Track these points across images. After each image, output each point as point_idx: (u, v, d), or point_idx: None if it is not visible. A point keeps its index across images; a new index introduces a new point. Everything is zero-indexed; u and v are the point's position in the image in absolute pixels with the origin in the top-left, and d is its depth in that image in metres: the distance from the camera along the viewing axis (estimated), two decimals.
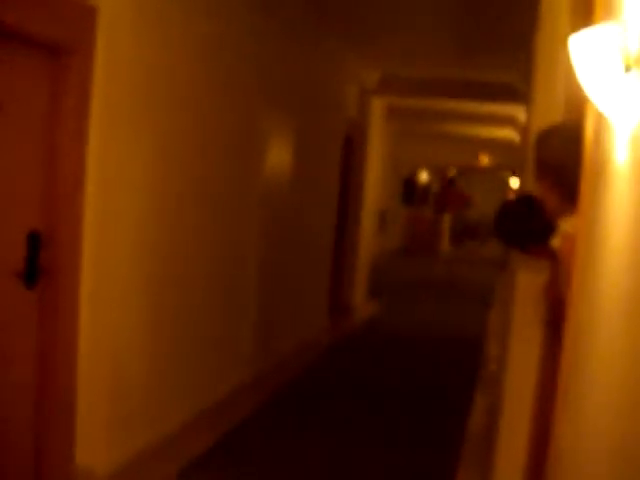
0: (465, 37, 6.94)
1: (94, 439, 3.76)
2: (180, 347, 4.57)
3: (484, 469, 4.26)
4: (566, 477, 1.60)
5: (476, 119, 12.71)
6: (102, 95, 3.62)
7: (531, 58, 4.03)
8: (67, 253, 3.53)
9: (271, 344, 6.32)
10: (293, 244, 6.74)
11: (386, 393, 6.11)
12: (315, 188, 7.42)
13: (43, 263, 3.39)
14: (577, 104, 2.50)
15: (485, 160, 18.80)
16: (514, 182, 17.53)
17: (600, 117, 1.39)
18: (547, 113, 3.22)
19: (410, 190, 19.92)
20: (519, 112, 9.58)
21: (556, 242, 2.48)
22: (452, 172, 23.25)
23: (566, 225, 2.38)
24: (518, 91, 7.89)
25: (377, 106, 9.94)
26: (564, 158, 2.42)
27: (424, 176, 22.10)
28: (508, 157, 16.55)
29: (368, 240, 10.32)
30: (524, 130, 5.75)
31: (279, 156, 6.18)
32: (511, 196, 16.56)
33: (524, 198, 3.08)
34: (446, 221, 21.24)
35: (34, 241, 3.34)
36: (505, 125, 12.63)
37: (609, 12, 1.34)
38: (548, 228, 2.64)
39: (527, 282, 3.39)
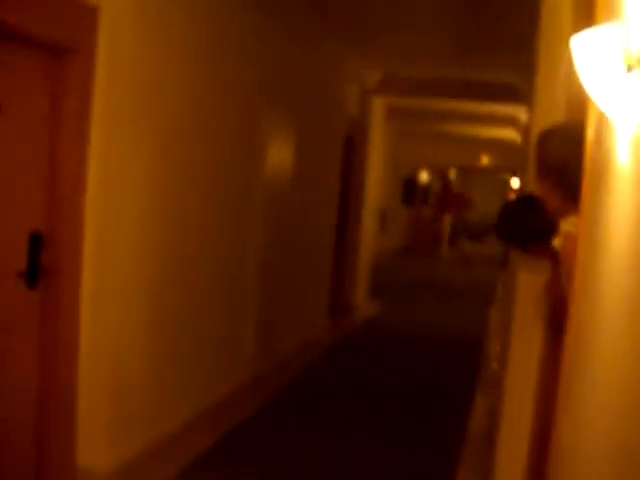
0: (465, 37, 6.94)
1: (94, 439, 3.76)
2: (181, 347, 4.56)
3: (484, 469, 4.26)
4: (567, 478, 1.59)
5: (476, 119, 12.71)
6: (103, 95, 3.62)
7: (532, 58, 4.03)
8: (68, 253, 3.53)
9: (272, 344, 6.32)
10: (294, 244, 6.74)
11: (386, 393, 6.11)
12: (316, 188, 7.41)
13: (45, 263, 3.40)
14: (578, 104, 2.50)
15: (485, 160, 18.80)
16: (515, 182, 17.53)
17: (602, 117, 1.39)
18: (549, 113, 3.22)
19: (410, 190, 19.91)
20: (520, 112, 9.58)
21: (557, 242, 2.48)
22: (450, 174, 23.26)
23: (567, 225, 2.37)
24: (519, 91, 7.88)
25: (378, 106, 9.94)
26: (566, 158, 2.42)
27: (424, 176, 22.10)
28: (509, 157, 16.55)
29: (369, 240, 10.32)
30: (525, 130, 5.75)
31: (280, 155, 6.18)
32: (512, 196, 16.56)
33: (525, 198, 3.08)
34: (447, 221, 21.23)
35: (36, 241, 3.34)
36: (506, 125, 12.62)
37: (611, 12, 1.34)
38: (549, 228, 2.63)
39: (528, 282, 3.39)
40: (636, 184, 1.35)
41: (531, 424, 3.35)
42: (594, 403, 1.47)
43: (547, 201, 2.60)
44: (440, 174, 22.28)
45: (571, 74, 3.08)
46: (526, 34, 5.03)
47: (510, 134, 13.55)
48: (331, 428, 5.05)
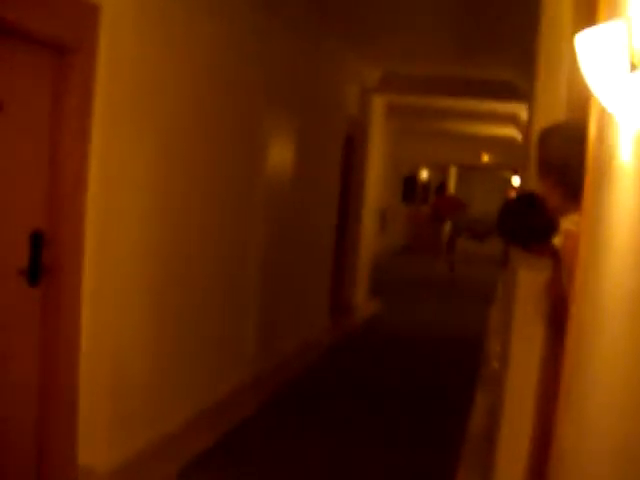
0: (465, 36, 6.94)
1: (95, 438, 3.76)
2: (182, 346, 4.56)
3: (485, 469, 4.25)
4: (568, 478, 1.59)
5: (477, 117, 12.70)
6: (104, 94, 3.61)
7: (533, 56, 4.02)
8: (69, 252, 3.53)
9: (272, 344, 6.32)
10: (294, 243, 6.73)
11: (387, 392, 6.11)
12: (316, 187, 7.41)
13: (46, 261, 3.40)
14: (580, 103, 2.49)
15: (486, 158, 18.78)
16: (516, 180, 17.52)
17: (604, 115, 1.38)
18: (549, 111, 3.21)
19: (411, 188, 19.89)
20: (520, 110, 9.58)
21: (558, 240, 2.48)
22: (450, 172, 23.20)
23: (568, 223, 2.37)
24: (519, 89, 7.88)
25: (378, 104, 9.93)
26: (566, 157, 2.41)
27: (425, 174, 22.07)
28: (509, 155, 16.55)
29: (369, 239, 10.31)
30: (526, 128, 5.75)
31: (281, 155, 6.18)
32: (512, 194, 16.55)
33: (526, 196, 3.08)
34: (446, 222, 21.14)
35: (37, 240, 3.34)
36: (506, 123, 12.62)
37: (613, 10, 1.33)
38: (550, 226, 2.63)
39: (528, 280, 3.38)
40: (639, 182, 1.34)
41: (532, 423, 3.34)
42: (595, 403, 1.47)
43: (548, 199, 2.59)
44: (438, 183, 22.16)
45: (573, 72, 3.07)
46: (526, 33, 5.02)
47: (510, 132, 13.55)
48: (331, 428, 5.05)
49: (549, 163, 2.51)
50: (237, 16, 4.98)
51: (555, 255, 2.62)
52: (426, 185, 22.26)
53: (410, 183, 19.81)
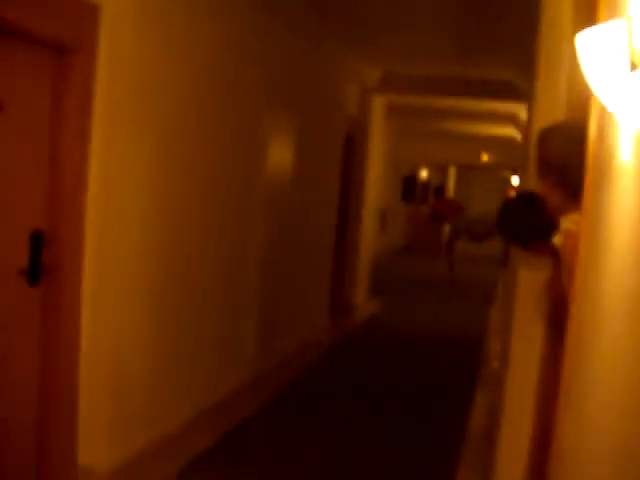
0: (465, 36, 6.94)
1: (95, 438, 3.76)
2: (182, 346, 4.56)
3: (485, 469, 4.25)
4: (568, 477, 1.59)
5: (477, 117, 12.71)
6: (104, 94, 3.61)
7: (533, 56, 4.02)
8: (69, 251, 3.53)
9: (272, 344, 6.32)
10: (294, 243, 6.73)
11: (387, 393, 6.11)
12: (316, 187, 7.41)
13: (46, 261, 3.40)
14: (579, 102, 2.49)
15: (486, 158, 18.78)
16: (515, 180, 17.51)
17: (604, 115, 1.38)
18: (549, 111, 3.22)
19: (410, 188, 19.87)
20: (520, 110, 9.58)
21: (558, 240, 2.48)
22: (450, 172, 23.17)
23: (568, 222, 2.37)
24: (519, 89, 7.88)
25: (378, 104, 9.93)
26: (566, 157, 2.41)
27: (424, 174, 22.06)
28: (509, 155, 16.55)
29: (369, 239, 10.32)
30: (526, 128, 5.75)
31: (281, 155, 6.18)
32: (512, 194, 16.53)
33: (526, 195, 3.08)
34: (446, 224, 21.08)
35: (37, 240, 3.35)
36: (506, 123, 12.62)
37: (613, 9, 1.33)
38: (550, 225, 2.63)
39: (529, 279, 3.38)
40: (639, 182, 1.34)
41: (532, 423, 3.34)
42: (595, 402, 1.47)
43: (548, 199, 2.59)
44: (437, 182, 22.10)
45: (573, 72, 3.07)
46: (526, 32, 5.02)
47: (510, 132, 13.55)
48: (331, 428, 5.05)
49: (549, 163, 2.51)
50: (237, 16, 4.98)
51: (555, 254, 2.62)
52: (426, 185, 22.24)
53: (410, 183, 19.80)
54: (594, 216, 1.44)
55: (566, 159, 2.41)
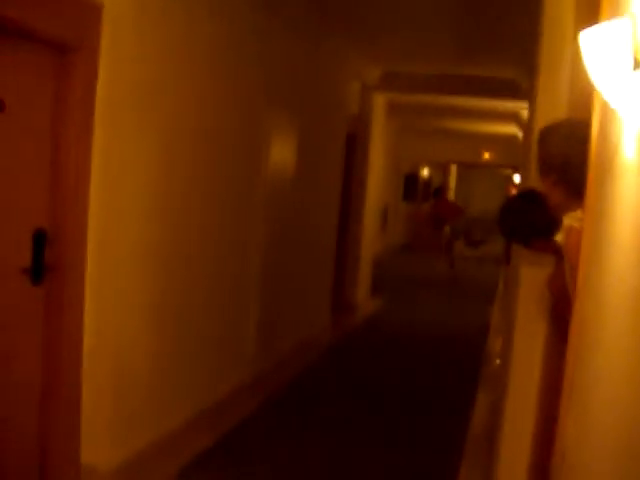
0: (466, 35, 6.93)
1: (98, 436, 3.77)
2: (182, 346, 4.57)
3: (487, 468, 4.25)
4: (571, 475, 1.59)
5: (478, 115, 12.70)
6: (106, 93, 3.61)
7: (534, 55, 4.02)
8: (72, 250, 3.54)
9: (273, 343, 6.32)
10: (295, 243, 6.73)
11: (387, 392, 6.11)
12: (317, 186, 7.41)
13: (49, 260, 3.40)
14: (581, 101, 2.49)
15: (487, 156, 18.75)
16: (517, 178, 17.49)
17: (607, 112, 1.38)
18: (550, 110, 3.21)
19: (412, 186, 19.85)
20: (522, 109, 9.57)
21: (560, 237, 2.48)
22: (451, 170, 23.11)
23: (570, 220, 2.37)
24: (520, 87, 7.88)
25: (379, 102, 9.93)
26: (567, 155, 2.42)
27: (426, 172, 22.04)
28: (510, 153, 16.53)
29: (370, 237, 10.31)
30: (527, 126, 5.74)
31: (282, 154, 6.18)
32: (513, 191, 16.51)
33: (527, 193, 3.08)
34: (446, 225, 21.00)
35: (40, 238, 3.35)
36: (507, 121, 12.61)
37: (616, 7, 1.33)
38: (551, 223, 2.63)
39: (531, 277, 3.38)
40: None
41: (534, 421, 3.34)
42: (598, 400, 1.47)
43: (549, 197, 2.60)
44: (438, 181, 22.04)
45: (575, 70, 3.07)
46: (527, 31, 5.01)
47: (512, 130, 13.54)
48: (331, 428, 5.05)
49: (550, 161, 2.51)
50: (237, 15, 4.97)
51: (557, 252, 2.62)
52: (427, 183, 22.21)
53: (411, 181, 19.77)
54: (597, 213, 1.44)
55: (567, 157, 2.41)
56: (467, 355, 7.58)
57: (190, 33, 4.30)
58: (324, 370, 6.61)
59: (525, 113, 8.61)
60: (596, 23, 1.34)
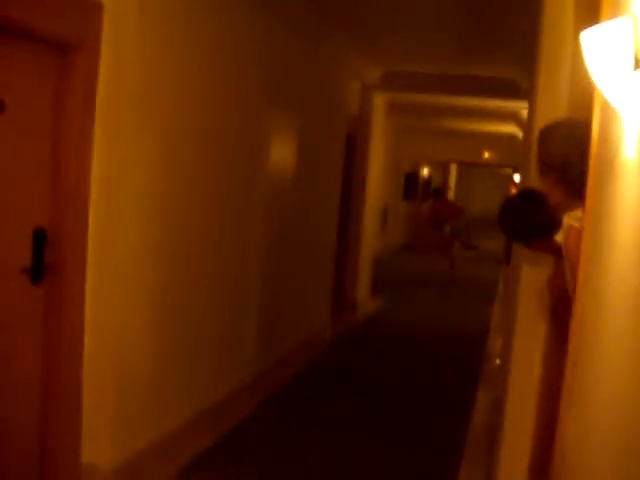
0: (466, 35, 6.93)
1: (98, 436, 3.76)
2: (183, 345, 4.56)
3: (487, 468, 4.25)
4: (571, 474, 1.59)
5: (478, 115, 12.69)
6: (106, 93, 3.61)
7: (534, 55, 4.02)
8: (72, 250, 3.53)
9: (274, 343, 6.32)
10: (296, 242, 6.73)
11: (388, 391, 6.11)
12: (317, 185, 7.41)
13: (48, 260, 3.40)
14: (582, 100, 2.49)
15: (487, 156, 18.75)
16: (517, 178, 17.48)
17: (607, 112, 1.38)
18: (551, 110, 3.21)
19: (412, 185, 19.84)
20: (522, 108, 9.57)
21: (560, 237, 2.48)
22: (451, 169, 23.11)
23: (570, 220, 2.37)
24: (520, 87, 7.88)
25: (379, 102, 9.93)
26: (567, 154, 2.42)
27: (426, 171, 22.04)
28: (510, 153, 16.53)
29: (370, 237, 10.31)
30: (527, 126, 5.75)
31: (282, 153, 6.18)
32: (514, 191, 16.51)
33: (527, 193, 3.08)
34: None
35: (40, 238, 3.35)
36: (507, 121, 12.61)
37: (616, 7, 1.33)
38: (552, 222, 2.63)
39: (531, 276, 3.38)
40: None
41: (534, 421, 3.35)
42: (598, 400, 1.46)
43: (549, 197, 2.60)
44: (438, 180, 22.04)
45: (575, 70, 3.07)
46: (527, 31, 5.01)
47: (512, 129, 13.54)
48: (332, 427, 5.05)
49: (549, 161, 2.51)
50: (238, 15, 4.97)
51: (557, 251, 2.62)
52: (427, 182, 22.21)
53: (411, 180, 19.76)
54: (597, 213, 1.43)
55: (567, 157, 2.41)
56: (467, 354, 7.59)
57: (190, 33, 4.30)
58: (324, 369, 6.61)
59: (525, 113, 8.61)
60: (596, 23, 1.34)
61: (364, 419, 5.29)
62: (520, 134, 12.25)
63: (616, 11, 1.32)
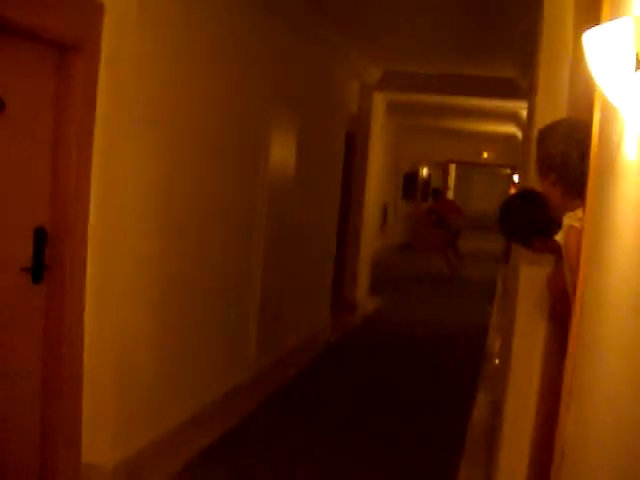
0: (466, 35, 6.93)
1: (99, 434, 3.77)
2: (184, 345, 4.57)
3: (487, 468, 4.26)
4: (571, 474, 1.59)
5: (478, 115, 12.70)
6: (107, 92, 3.62)
7: (534, 55, 4.02)
8: (73, 249, 3.54)
9: (274, 342, 6.32)
10: (296, 241, 6.73)
11: (387, 391, 6.11)
12: (317, 185, 7.41)
13: (49, 259, 3.40)
14: (582, 101, 2.50)
15: (486, 156, 18.76)
16: (516, 178, 17.48)
17: (608, 113, 1.38)
18: (551, 110, 3.21)
19: (411, 185, 19.85)
20: (521, 108, 9.57)
21: (560, 237, 2.48)
22: (450, 169, 23.09)
23: (570, 220, 2.37)
24: (520, 87, 7.88)
25: (379, 102, 9.93)
26: (565, 154, 2.42)
27: (425, 171, 22.03)
28: (510, 153, 16.54)
29: (370, 236, 10.32)
30: (526, 126, 5.75)
31: (282, 153, 6.18)
32: (512, 191, 16.51)
33: (527, 193, 3.08)
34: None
35: (40, 237, 3.35)
36: (507, 121, 12.61)
37: (617, 7, 1.33)
38: (551, 223, 2.64)
39: (531, 276, 3.39)
40: None
41: (534, 421, 3.35)
42: (597, 400, 1.47)
43: (549, 197, 2.60)
44: (438, 179, 22.02)
45: (575, 71, 3.07)
46: (527, 31, 5.02)
47: (511, 129, 13.55)
48: (332, 427, 5.05)
49: (549, 161, 2.51)
50: (239, 15, 4.98)
51: (557, 252, 2.63)
52: (427, 182, 22.21)
53: (410, 180, 19.76)
54: (598, 213, 1.44)
55: (566, 157, 2.42)
56: (467, 354, 7.59)
57: (191, 33, 4.30)
58: (324, 369, 6.61)
59: (524, 113, 8.61)
60: (596, 23, 1.34)
61: (364, 419, 5.29)
62: (519, 134, 12.26)
63: (616, 11, 1.33)
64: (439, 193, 18.76)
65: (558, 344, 2.78)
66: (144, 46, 3.81)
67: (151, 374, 4.20)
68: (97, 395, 3.74)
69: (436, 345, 8.12)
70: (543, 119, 3.00)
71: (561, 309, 2.64)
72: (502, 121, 12.94)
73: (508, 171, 21.17)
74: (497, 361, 6.91)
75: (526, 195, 3.06)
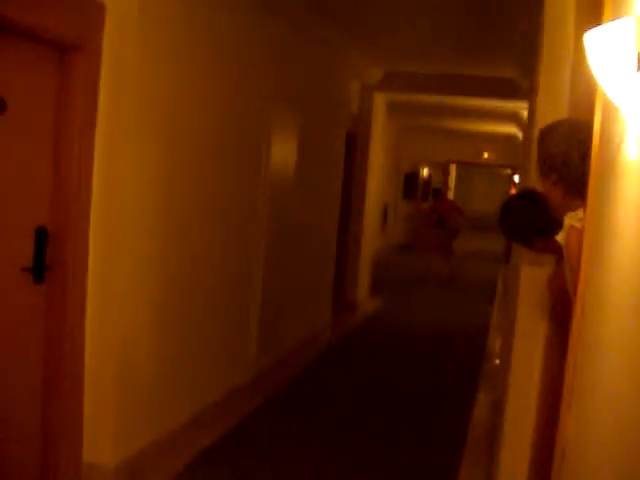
0: (466, 35, 6.93)
1: (100, 434, 3.77)
2: (185, 345, 4.57)
3: (487, 468, 4.26)
4: (572, 474, 1.59)
5: (478, 115, 12.70)
6: (108, 92, 3.62)
7: (535, 55, 4.02)
8: (74, 248, 3.54)
9: (275, 342, 6.32)
10: (297, 241, 6.74)
11: (388, 391, 6.11)
12: (318, 185, 7.41)
13: (50, 258, 3.41)
14: (583, 101, 2.50)
15: (487, 156, 18.76)
16: (517, 178, 17.48)
17: (609, 113, 1.38)
18: (552, 110, 3.21)
19: (412, 185, 19.85)
20: (522, 109, 9.57)
21: (560, 237, 2.48)
22: (451, 169, 23.09)
23: (570, 220, 2.37)
24: (520, 87, 7.88)
25: (379, 102, 9.93)
26: (566, 154, 2.42)
27: (425, 171, 22.03)
28: (510, 153, 16.53)
29: (370, 236, 10.32)
30: (527, 127, 5.75)
31: (283, 153, 6.18)
32: (513, 191, 16.52)
33: (527, 193, 3.08)
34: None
35: (42, 236, 3.35)
36: (508, 121, 12.61)
37: (619, 7, 1.33)
38: (552, 223, 2.63)
39: (531, 276, 3.38)
40: None
41: (534, 421, 3.35)
42: (599, 400, 1.47)
43: (550, 197, 2.60)
44: (438, 179, 22.02)
45: (576, 71, 3.07)
46: (527, 31, 5.02)
47: (512, 130, 13.55)
48: (332, 427, 5.05)
49: (550, 161, 2.51)
50: (238, 15, 4.98)
51: (558, 252, 2.63)
52: (427, 182, 22.22)
53: (411, 180, 19.76)
54: (599, 214, 1.44)
55: (567, 157, 2.41)
56: (467, 354, 7.59)
57: (192, 33, 4.31)
58: (325, 369, 6.61)
59: (525, 113, 8.61)
60: (597, 23, 1.34)
61: (364, 419, 5.29)
62: (520, 134, 12.26)
63: (618, 11, 1.33)
64: (439, 193, 18.75)
65: (559, 344, 2.78)
66: (145, 46, 3.82)
67: (152, 374, 4.20)
68: (98, 395, 3.74)
69: (437, 345, 8.11)
70: (544, 119, 3.00)
71: (562, 309, 2.64)
72: (502, 121, 12.94)
73: (509, 171, 21.18)
74: (498, 361, 6.92)
75: (527, 195, 3.06)
